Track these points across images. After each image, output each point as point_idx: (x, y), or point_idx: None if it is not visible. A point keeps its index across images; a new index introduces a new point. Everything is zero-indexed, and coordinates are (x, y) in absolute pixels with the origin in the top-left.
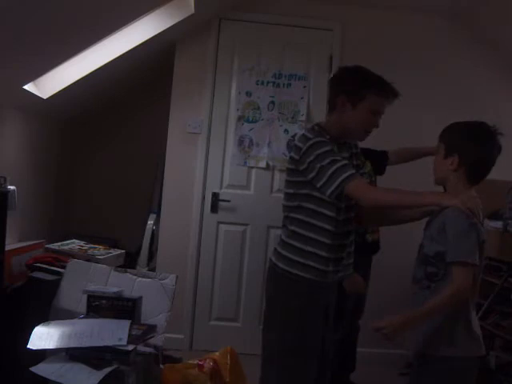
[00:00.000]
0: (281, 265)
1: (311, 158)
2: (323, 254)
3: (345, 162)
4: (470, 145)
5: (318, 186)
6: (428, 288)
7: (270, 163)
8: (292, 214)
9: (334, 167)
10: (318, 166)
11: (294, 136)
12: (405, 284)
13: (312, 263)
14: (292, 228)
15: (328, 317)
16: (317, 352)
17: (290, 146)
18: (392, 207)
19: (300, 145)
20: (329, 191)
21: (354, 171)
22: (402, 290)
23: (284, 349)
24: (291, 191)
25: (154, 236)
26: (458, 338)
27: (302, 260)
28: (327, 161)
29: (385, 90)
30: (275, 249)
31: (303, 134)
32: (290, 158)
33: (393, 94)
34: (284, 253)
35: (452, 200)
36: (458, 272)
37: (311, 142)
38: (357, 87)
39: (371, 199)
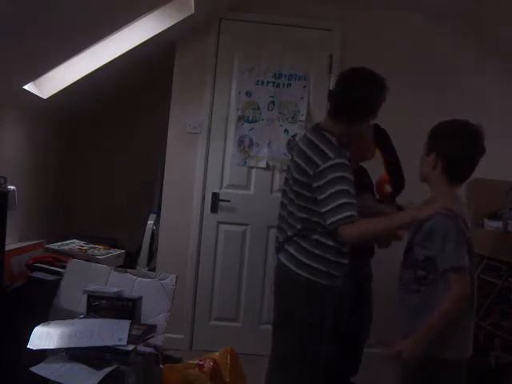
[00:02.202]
0: (304, 273)
1: (328, 178)
2: (343, 261)
3: (354, 200)
4: (446, 141)
5: (322, 210)
6: (417, 292)
7: (270, 163)
8: (310, 226)
9: (344, 200)
10: (332, 190)
11: (294, 136)
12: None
13: (334, 271)
14: (315, 237)
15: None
16: (329, 355)
17: (290, 145)
18: (369, 238)
19: (317, 160)
20: (328, 221)
21: (354, 212)
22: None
23: (301, 354)
24: (304, 204)
25: (154, 236)
26: (451, 340)
27: (324, 268)
28: (342, 188)
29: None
30: (293, 256)
31: (318, 147)
32: (302, 169)
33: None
34: (306, 261)
35: (429, 210)
36: (454, 279)
37: (332, 163)
38: (377, 106)
39: (354, 237)
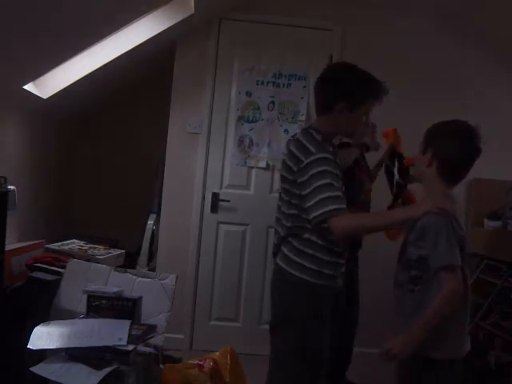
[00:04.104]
0: (295, 273)
1: (311, 172)
2: (337, 260)
3: (339, 192)
4: (444, 140)
5: (306, 206)
6: (412, 291)
7: (270, 163)
8: (300, 224)
9: (328, 194)
10: (315, 185)
11: (293, 136)
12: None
13: (326, 270)
14: (306, 236)
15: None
16: (328, 355)
17: None
18: (363, 233)
19: (300, 156)
20: (311, 216)
21: (343, 205)
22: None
23: (301, 354)
24: (295, 202)
25: (154, 236)
26: (445, 339)
27: (316, 268)
28: (325, 182)
29: (381, 94)
30: (287, 256)
31: (302, 144)
32: (288, 166)
33: (385, 94)
34: (298, 260)
35: (421, 208)
36: (445, 277)
37: (314, 158)
38: (359, 95)
39: (339, 230)
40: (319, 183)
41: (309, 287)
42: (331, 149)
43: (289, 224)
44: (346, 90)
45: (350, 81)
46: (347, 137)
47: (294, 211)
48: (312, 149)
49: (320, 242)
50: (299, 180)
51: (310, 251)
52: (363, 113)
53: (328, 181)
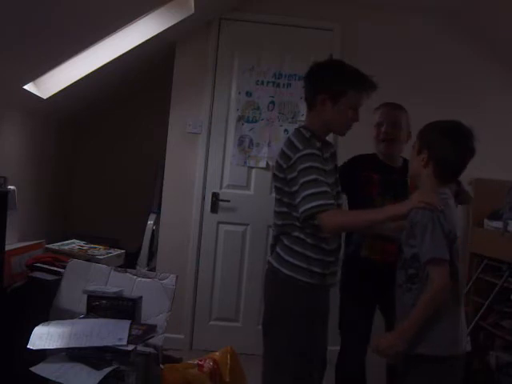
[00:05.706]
0: (285, 270)
1: (299, 168)
2: (326, 258)
3: (325, 188)
4: (439, 142)
5: (295, 202)
6: (410, 290)
7: (270, 163)
8: (290, 222)
9: (314, 190)
10: (302, 181)
11: None
12: None
13: (315, 268)
14: (295, 234)
15: (327, 320)
16: (322, 355)
17: None
18: (352, 229)
19: (289, 153)
20: (299, 211)
21: (331, 201)
22: None
23: (293, 353)
24: (286, 200)
25: (154, 236)
26: (439, 336)
27: (305, 265)
28: (311, 177)
29: (364, 85)
30: (278, 254)
31: (291, 141)
32: (279, 165)
33: (371, 88)
34: (288, 258)
35: (408, 205)
36: (432, 271)
37: (301, 154)
38: (337, 85)
39: (328, 226)
40: (306, 179)
41: (300, 286)
42: (319, 144)
43: (279, 222)
44: (323, 82)
45: (326, 73)
46: (336, 133)
47: (284, 209)
48: (299, 145)
49: (309, 241)
50: (289, 177)
51: (300, 249)
52: (348, 106)
53: (314, 176)
